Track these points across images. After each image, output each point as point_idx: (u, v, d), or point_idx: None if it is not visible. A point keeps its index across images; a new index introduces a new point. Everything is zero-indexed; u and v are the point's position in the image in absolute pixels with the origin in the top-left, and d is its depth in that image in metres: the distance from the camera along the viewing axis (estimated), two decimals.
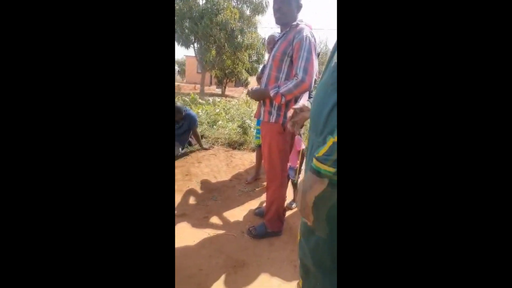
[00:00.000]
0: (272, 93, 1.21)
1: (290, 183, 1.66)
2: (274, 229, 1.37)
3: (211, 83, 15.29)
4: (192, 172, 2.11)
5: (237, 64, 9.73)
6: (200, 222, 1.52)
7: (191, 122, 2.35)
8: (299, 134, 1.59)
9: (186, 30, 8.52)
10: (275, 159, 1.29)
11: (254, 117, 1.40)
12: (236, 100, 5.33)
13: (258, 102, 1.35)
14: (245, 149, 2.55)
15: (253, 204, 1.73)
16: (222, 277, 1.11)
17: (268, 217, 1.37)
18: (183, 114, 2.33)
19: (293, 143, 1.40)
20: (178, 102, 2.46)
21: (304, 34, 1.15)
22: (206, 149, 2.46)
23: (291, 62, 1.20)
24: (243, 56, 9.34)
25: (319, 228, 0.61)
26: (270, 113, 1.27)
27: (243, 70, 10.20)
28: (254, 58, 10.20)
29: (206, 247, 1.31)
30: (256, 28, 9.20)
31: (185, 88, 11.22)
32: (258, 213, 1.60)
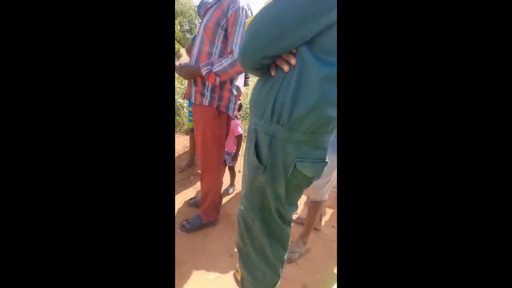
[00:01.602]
0: (204, 72, 1.05)
1: (226, 168, 1.59)
2: (210, 219, 1.30)
3: None
4: None
5: None
6: None
7: None
8: (236, 118, 1.50)
9: None
10: (210, 146, 1.17)
11: (184, 97, 1.22)
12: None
13: (187, 80, 1.16)
14: (177, 132, 2.31)
15: (188, 194, 1.60)
16: None
17: (203, 208, 1.28)
18: None
19: (230, 127, 1.31)
20: None
21: (240, 4, 1.01)
22: None
23: (225, 36, 1.06)
24: (176, 24, 8.32)
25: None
26: (202, 94, 1.12)
27: (174, 41, 9.15)
28: (186, 27, 9.23)
29: None
30: None
31: None
32: (192, 203, 1.49)
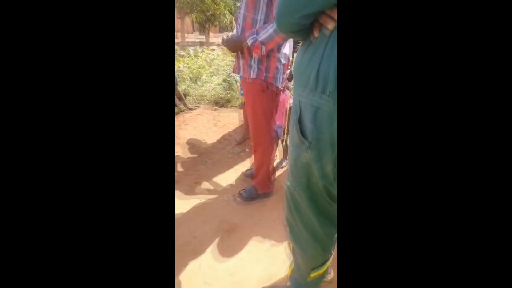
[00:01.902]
0: (249, 42, 1.01)
1: (279, 142, 1.59)
2: (265, 190, 1.36)
3: (193, 30, 13.77)
4: (180, 135, 2.02)
5: (218, 4, 8.53)
6: (192, 188, 1.50)
7: None
8: (286, 89, 1.43)
9: None
10: (260, 120, 1.17)
11: (233, 72, 1.22)
12: (220, 49, 4.82)
13: (235, 53, 1.14)
14: (232, 106, 2.39)
15: (244, 166, 1.70)
16: (216, 242, 1.14)
17: (257, 180, 1.34)
18: None
19: (279, 100, 1.26)
20: None
21: None
22: (191, 109, 2.29)
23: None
24: None
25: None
26: (250, 66, 1.09)
27: (226, 11, 8.99)
28: None
29: (199, 213, 1.31)
30: None
31: None
32: (248, 174, 1.57)
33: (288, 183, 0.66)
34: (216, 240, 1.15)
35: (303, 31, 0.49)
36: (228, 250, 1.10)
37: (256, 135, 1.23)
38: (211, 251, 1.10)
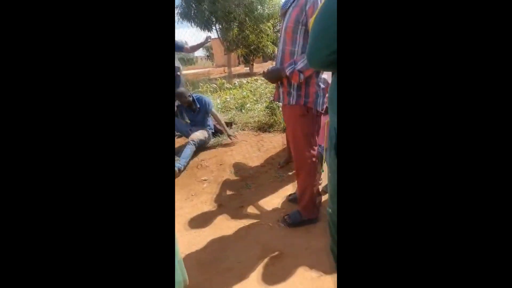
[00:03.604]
0: (288, 72, 1.07)
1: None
2: (310, 216, 1.30)
3: (239, 63, 15.03)
4: (225, 161, 2.14)
5: (261, 38, 9.23)
6: (236, 212, 1.54)
7: (206, 105, 2.31)
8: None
9: (207, 13, 8.30)
10: (301, 144, 1.18)
11: (273, 100, 1.28)
12: (262, 78, 5.12)
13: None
14: (275, 130, 2.45)
15: (288, 190, 1.68)
16: (260, 270, 1.12)
17: (302, 205, 1.30)
18: (190, 98, 2.28)
19: (321, 122, 1.25)
20: (182, 88, 2.38)
21: None
22: (231, 136, 2.40)
23: (306, 31, 1.02)
24: (266, 28, 8.78)
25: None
26: (289, 94, 1.14)
27: (268, 43, 9.63)
28: (279, 27, 9.51)
29: (243, 237, 1.33)
30: None
31: (214, 72, 11.28)
32: (292, 199, 1.54)
33: (330, 210, 0.64)
34: (260, 267, 1.13)
35: (334, 64, 0.51)
36: (273, 278, 1.07)
37: (297, 159, 1.23)
38: (255, 278, 1.08)
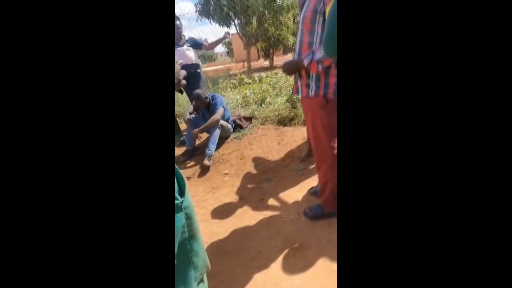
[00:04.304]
0: (306, 62, 1.05)
1: None
2: (331, 209, 1.28)
3: (259, 57, 14.93)
4: (246, 155, 2.17)
5: (281, 30, 9.06)
6: (257, 204, 1.57)
7: (216, 104, 2.34)
8: None
9: (225, 8, 8.33)
10: (321, 136, 1.15)
11: (292, 93, 1.27)
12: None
13: (294, 75, 1.20)
14: (295, 124, 2.42)
15: (309, 183, 1.66)
16: (282, 260, 1.13)
17: (323, 198, 1.29)
18: (207, 99, 2.33)
19: None
20: (198, 89, 2.42)
21: None
22: (240, 126, 2.40)
23: (325, 21, 0.99)
24: (286, 20, 8.59)
25: None
26: (308, 86, 1.12)
27: (289, 35, 9.42)
28: (298, 19, 9.22)
29: (264, 229, 1.35)
30: None
31: (235, 68, 11.35)
32: (313, 192, 1.52)
33: None
34: (281, 258, 1.15)
35: None
36: (294, 269, 1.08)
37: (318, 152, 1.21)
38: (276, 268, 1.10)
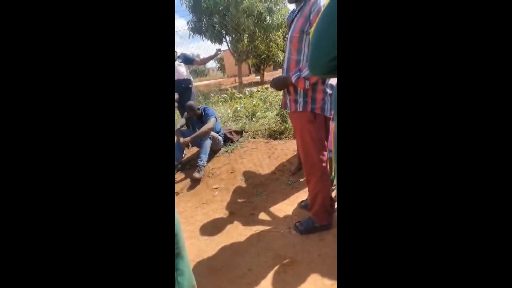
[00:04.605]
0: (293, 79, 1.09)
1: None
2: (322, 222, 1.28)
3: (250, 72, 15.28)
4: (236, 168, 2.16)
5: (271, 47, 9.39)
6: (247, 219, 1.54)
7: (207, 115, 2.37)
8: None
9: (217, 26, 8.60)
10: (310, 149, 1.17)
11: (281, 107, 1.30)
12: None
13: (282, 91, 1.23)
14: (286, 137, 2.45)
15: (299, 196, 1.66)
16: (272, 277, 1.10)
17: (314, 211, 1.28)
18: (199, 111, 2.35)
19: (329, 127, 1.25)
20: (191, 101, 2.46)
21: (321, 4, 0.97)
22: (231, 141, 2.41)
23: None
24: (276, 37, 8.93)
25: None
26: (296, 101, 1.15)
27: (278, 51, 9.77)
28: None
29: (254, 245, 1.32)
30: (285, 3, 8.62)
31: (226, 83, 11.53)
32: (304, 206, 1.52)
33: None
34: (272, 274, 1.12)
35: (335, 70, 0.52)
36: (285, 286, 1.05)
37: (307, 165, 1.23)
38: (266, 286, 1.07)
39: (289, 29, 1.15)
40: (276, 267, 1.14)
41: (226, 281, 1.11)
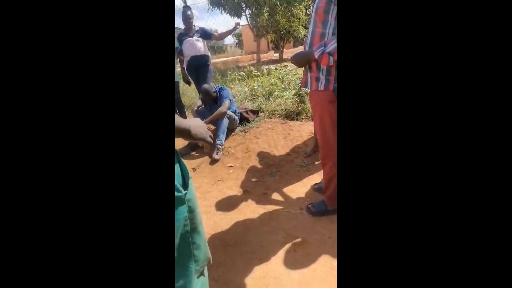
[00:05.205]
0: (317, 54, 1.02)
1: None
2: (335, 206, 1.27)
3: (268, 49, 14.72)
4: (251, 148, 2.16)
5: (293, 22, 8.86)
6: (260, 198, 1.57)
7: (222, 96, 2.34)
8: None
9: None
10: (329, 132, 1.13)
11: (301, 86, 1.24)
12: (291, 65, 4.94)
13: (303, 68, 1.17)
14: (302, 119, 2.39)
15: (313, 179, 1.65)
16: (283, 255, 1.14)
17: (327, 194, 1.27)
18: (215, 94, 2.32)
19: None
20: (206, 84, 2.42)
21: None
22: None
23: None
24: (298, 11, 8.38)
25: None
26: (317, 79, 1.09)
27: (300, 27, 9.21)
28: (311, 10, 8.98)
29: (266, 223, 1.35)
30: None
31: (244, 59, 11.23)
32: (317, 188, 1.51)
33: None
34: (282, 252, 1.15)
35: None
36: (294, 264, 1.08)
37: (324, 149, 1.19)
38: (276, 262, 1.10)
39: (314, 1, 1.05)
40: (287, 246, 1.17)
41: (238, 255, 1.16)
